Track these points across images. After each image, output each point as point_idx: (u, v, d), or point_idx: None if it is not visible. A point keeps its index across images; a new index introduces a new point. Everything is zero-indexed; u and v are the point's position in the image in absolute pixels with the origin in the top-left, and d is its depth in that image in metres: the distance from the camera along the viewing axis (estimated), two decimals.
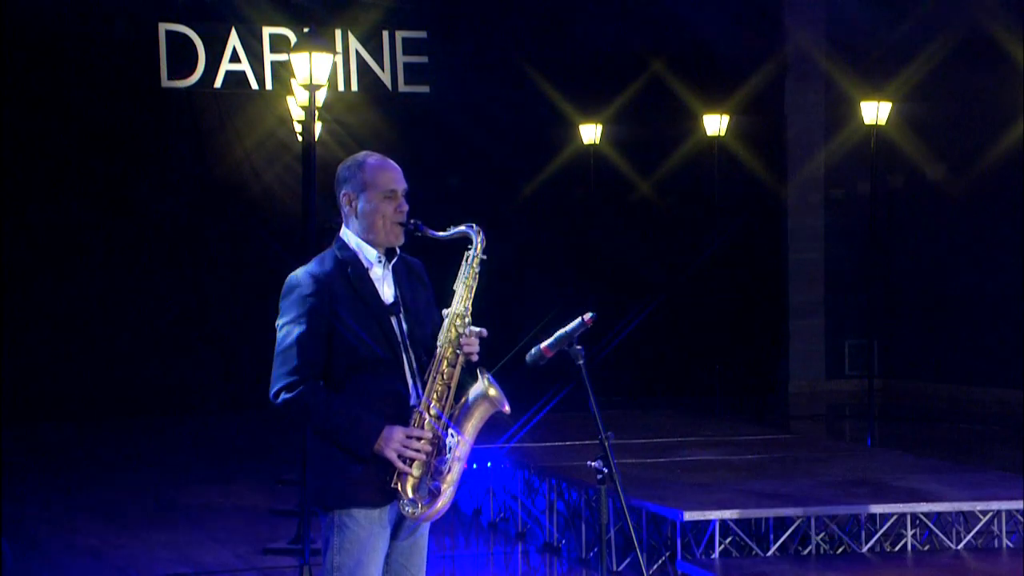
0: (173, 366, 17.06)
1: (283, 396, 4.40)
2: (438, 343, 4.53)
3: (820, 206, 19.45)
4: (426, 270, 4.72)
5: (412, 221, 4.56)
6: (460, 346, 4.52)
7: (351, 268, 4.50)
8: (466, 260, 4.59)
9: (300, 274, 4.50)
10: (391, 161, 4.61)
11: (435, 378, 4.50)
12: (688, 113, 18.07)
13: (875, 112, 14.22)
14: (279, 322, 4.47)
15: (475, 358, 4.55)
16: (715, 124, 16.80)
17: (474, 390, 4.52)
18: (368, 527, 4.46)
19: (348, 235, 4.58)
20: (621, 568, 8.27)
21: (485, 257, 4.61)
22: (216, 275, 17.29)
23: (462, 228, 4.60)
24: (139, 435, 15.51)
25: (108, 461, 13.79)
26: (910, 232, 18.67)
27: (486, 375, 4.53)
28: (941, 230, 18.28)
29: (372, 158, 4.59)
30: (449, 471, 4.46)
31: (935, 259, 18.38)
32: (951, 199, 17.94)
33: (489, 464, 9.82)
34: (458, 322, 4.54)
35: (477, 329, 4.56)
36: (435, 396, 4.49)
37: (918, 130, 17.86)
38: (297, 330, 4.41)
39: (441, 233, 4.59)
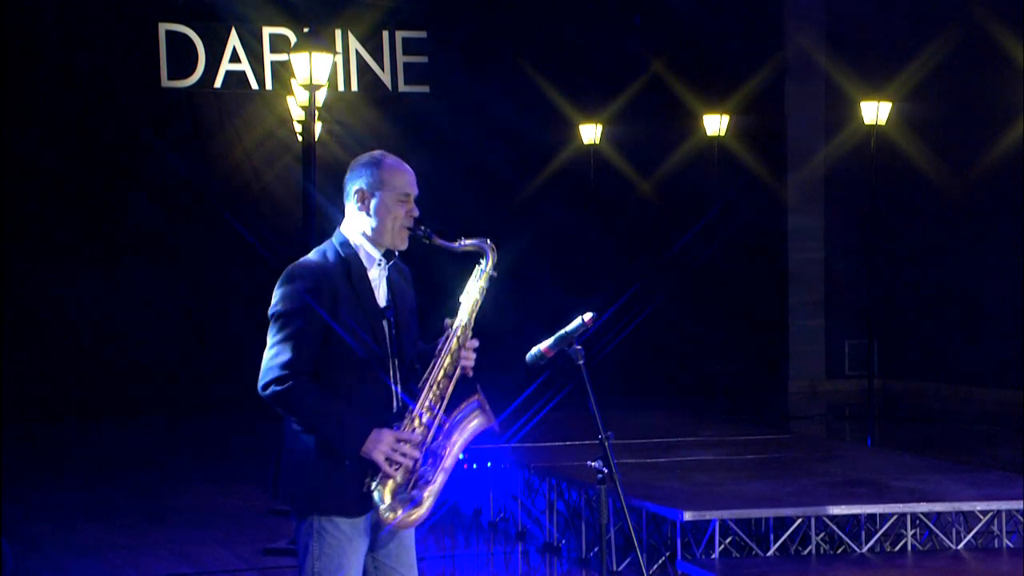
0: (173, 366, 17.07)
1: (273, 389, 4.34)
2: (438, 352, 4.49)
3: (820, 206, 19.45)
4: (412, 276, 4.69)
5: (422, 228, 4.51)
6: (459, 359, 4.51)
7: (352, 267, 4.45)
8: (476, 274, 4.55)
9: (302, 266, 4.44)
10: (407, 165, 4.55)
11: (430, 388, 4.47)
12: (688, 113, 18.07)
13: (875, 112, 14.21)
14: (275, 310, 4.39)
15: (470, 373, 4.53)
16: (715, 124, 16.81)
17: (467, 405, 4.51)
18: (348, 532, 4.41)
19: (351, 231, 4.52)
20: (621, 568, 8.27)
21: (495, 274, 4.56)
22: (216, 275, 17.28)
23: (476, 241, 4.55)
24: (139, 435, 15.51)
25: (108, 461, 13.78)
26: (910, 232, 18.66)
27: (480, 393, 4.51)
28: (941, 230, 18.28)
29: (390, 159, 4.53)
30: (433, 482, 4.42)
31: (935, 259, 18.38)
32: (951, 199, 17.94)
33: (489, 464, 9.82)
34: (460, 334, 4.51)
35: (473, 342, 4.55)
36: (427, 405, 4.46)
37: (918, 130, 17.85)
38: (295, 324, 4.35)
39: (453, 244, 4.53)
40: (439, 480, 4.43)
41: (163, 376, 17.01)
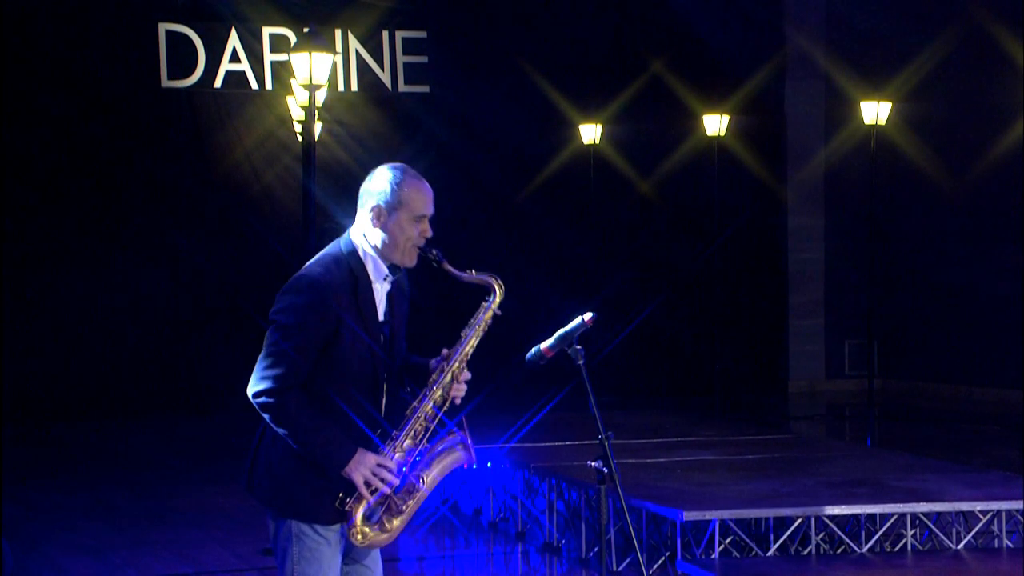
0: (173, 366, 17.05)
1: (264, 400, 4.35)
2: (431, 383, 4.52)
3: (820, 206, 19.45)
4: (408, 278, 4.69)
5: (433, 251, 4.52)
6: (451, 391, 4.53)
7: (359, 282, 4.45)
8: (481, 310, 4.57)
9: (309, 280, 4.41)
10: (427, 183, 4.54)
11: (417, 418, 4.50)
12: (688, 113, 18.07)
13: (875, 112, 14.21)
14: (276, 319, 4.39)
15: (459, 401, 4.55)
16: (715, 124, 16.80)
17: (449, 440, 4.53)
18: (327, 538, 4.45)
19: (363, 243, 4.50)
20: (621, 568, 8.27)
21: (500, 313, 4.58)
22: (215, 275, 17.26)
23: (484, 277, 4.57)
24: (139, 435, 15.50)
25: (108, 461, 13.78)
26: (910, 232, 18.66)
27: (465, 428, 4.53)
28: (941, 230, 18.29)
29: (411, 177, 4.51)
30: (404, 510, 4.46)
31: (935, 259, 18.38)
32: (951, 199, 17.94)
33: (489, 464, 9.82)
34: (456, 367, 4.53)
35: (466, 374, 4.57)
36: (412, 434, 4.49)
37: (918, 130, 17.86)
38: (293, 339, 4.34)
39: (461, 273, 4.54)
40: (410, 510, 4.48)
41: (163, 376, 16.99)
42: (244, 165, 17.44)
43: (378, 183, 4.49)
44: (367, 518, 4.43)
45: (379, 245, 4.49)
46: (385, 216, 4.46)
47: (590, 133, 17.61)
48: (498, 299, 4.57)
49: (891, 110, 14.46)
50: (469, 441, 4.53)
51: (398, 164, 4.56)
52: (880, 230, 16.43)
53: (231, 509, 10.77)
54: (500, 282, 4.58)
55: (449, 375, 4.52)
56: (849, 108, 16.85)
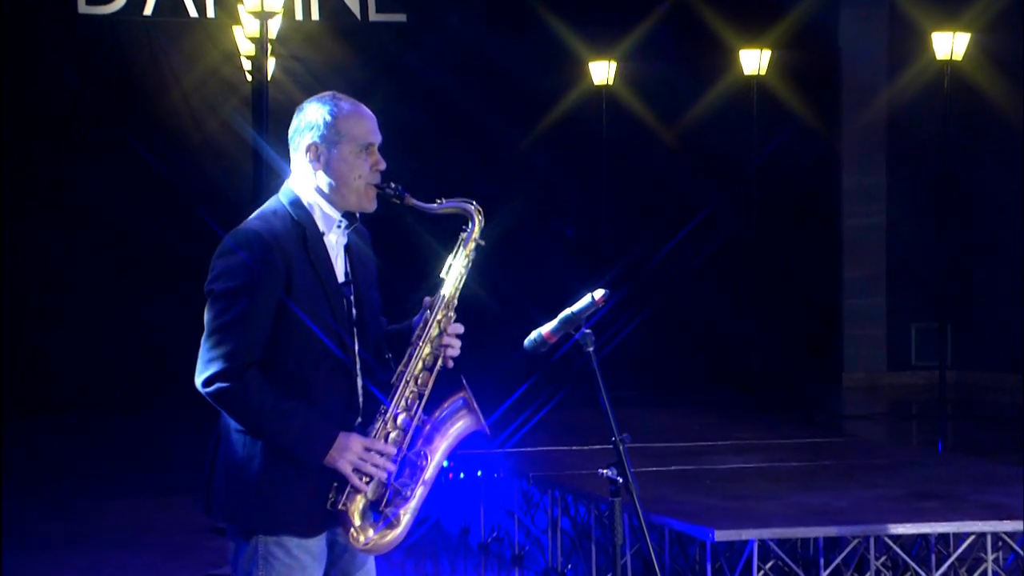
0: (94, 354, 17.04)
1: (218, 386, 4.29)
2: (416, 340, 4.51)
3: (882, 160, 19.46)
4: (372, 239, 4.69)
5: (392, 186, 4.52)
6: (441, 347, 4.53)
7: (307, 231, 4.44)
8: (461, 244, 4.58)
9: (246, 233, 4.41)
10: (365, 107, 4.56)
11: (407, 383, 4.48)
12: (721, 47, 18.07)
13: (949, 45, 14.22)
14: (214, 287, 4.36)
15: (451, 364, 4.55)
16: (754, 61, 16.81)
17: (450, 404, 4.54)
18: (301, 558, 4.40)
19: (304, 189, 4.51)
20: None
21: (483, 243, 4.60)
22: (147, 245, 17.20)
23: (456, 203, 4.58)
24: (56, 437, 15.51)
25: (17, 469, 13.78)
26: (991, 191, 18.67)
27: (466, 389, 4.53)
28: None
29: (344, 103, 4.52)
30: (411, 496, 4.44)
31: (1021, 224, 18.38)
32: None
33: (480, 473, 9.85)
34: (442, 317, 4.53)
35: (457, 327, 4.56)
36: (404, 403, 4.48)
37: (1000, 66, 17.85)
38: (239, 305, 4.31)
39: (430, 205, 4.55)
40: (418, 494, 4.45)
41: (82, 367, 16.98)
42: (182, 109, 17.44)
43: (308, 118, 4.52)
44: (365, 515, 4.39)
45: (326, 189, 4.50)
46: (325, 153, 4.48)
47: (602, 72, 17.61)
48: (477, 226, 4.58)
49: (968, 42, 14.46)
50: (475, 403, 4.52)
51: (326, 93, 4.59)
52: (955, 189, 16.43)
53: (167, 527, 10.80)
54: (477, 206, 4.59)
55: (435, 326, 4.52)
56: (918, 40, 16.85)
